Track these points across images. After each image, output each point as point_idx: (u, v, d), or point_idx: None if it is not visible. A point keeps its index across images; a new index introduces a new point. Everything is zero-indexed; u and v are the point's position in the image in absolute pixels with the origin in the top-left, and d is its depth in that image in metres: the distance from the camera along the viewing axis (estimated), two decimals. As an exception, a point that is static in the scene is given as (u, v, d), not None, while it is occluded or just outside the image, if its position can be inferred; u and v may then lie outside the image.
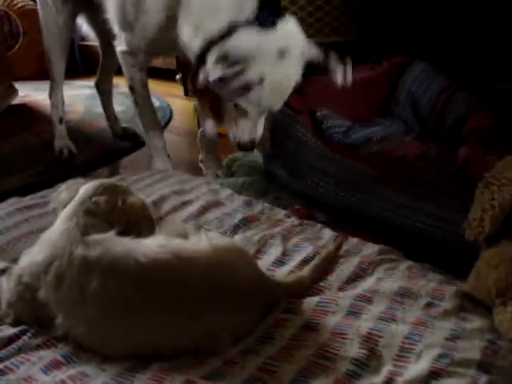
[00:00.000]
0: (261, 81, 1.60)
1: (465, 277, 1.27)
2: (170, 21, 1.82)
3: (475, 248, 1.28)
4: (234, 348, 1.06)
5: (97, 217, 1.17)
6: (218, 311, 1.05)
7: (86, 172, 2.54)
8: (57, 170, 2.57)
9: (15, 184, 2.40)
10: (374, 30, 3.18)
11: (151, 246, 1.09)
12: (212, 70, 1.62)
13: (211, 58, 1.63)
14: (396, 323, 1.12)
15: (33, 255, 1.13)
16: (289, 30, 1.67)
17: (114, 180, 1.47)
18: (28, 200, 1.70)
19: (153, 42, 1.97)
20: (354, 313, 1.15)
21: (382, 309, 1.16)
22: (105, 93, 2.94)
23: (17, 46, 4.38)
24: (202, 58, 1.68)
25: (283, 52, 1.61)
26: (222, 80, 1.60)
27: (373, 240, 1.53)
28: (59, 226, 1.16)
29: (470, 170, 1.75)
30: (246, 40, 1.59)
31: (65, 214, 1.19)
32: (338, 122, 1.97)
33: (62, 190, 1.36)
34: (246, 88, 1.61)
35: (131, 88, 2.16)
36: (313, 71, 1.87)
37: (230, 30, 1.62)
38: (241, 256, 1.18)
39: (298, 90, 1.96)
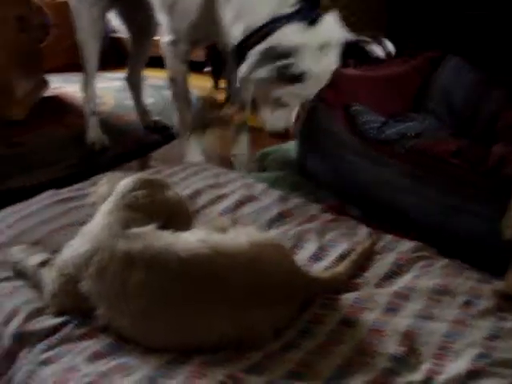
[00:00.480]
0: (305, 74, 1.65)
1: (501, 275, 1.27)
2: (210, 3, 1.84)
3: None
4: (274, 342, 1.07)
5: (137, 211, 1.19)
6: (258, 305, 1.07)
7: (116, 165, 2.58)
8: (88, 163, 2.60)
9: (47, 176, 2.44)
10: (404, 24, 3.16)
11: (191, 240, 1.11)
12: (255, 64, 1.65)
13: (254, 52, 1.66)
14: (434, 321, 1.12)
15: (74, 247, 1.16)
16: (330, 22, 1.69)
17: (151, 175, 1.49)
18: (65, 192, 1.73)
19: (193, 27, 1.99)
20: (391, 310, 1.16)
21: (420, 306, 1.17)
22: (135, 86, 2.97)
23: (48, 38, 4.43)
24: (241, 48, 1.70)
25: (324, 46, 1.64)
26: (267, 74, 1.63)
27: (406, 237, 1.53)
28: (100, 220, 1.18)
29: (505, 168, 1.74)
30: (291, 35, 1.62)
31: (105, 207, 1.21)
32: (372, 118, 1.96)
33: (102, 184, 1.39)
34: (291, 82, 1.65)
35: (172, 80, 2.19)
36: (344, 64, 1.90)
37: (271, 22, 1.65)
38: (279, 251, 1.19)
39: (332, 84, 1.97)
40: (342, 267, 1.29)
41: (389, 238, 1.49)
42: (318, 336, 1.09)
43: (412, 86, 2.36)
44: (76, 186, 1.78)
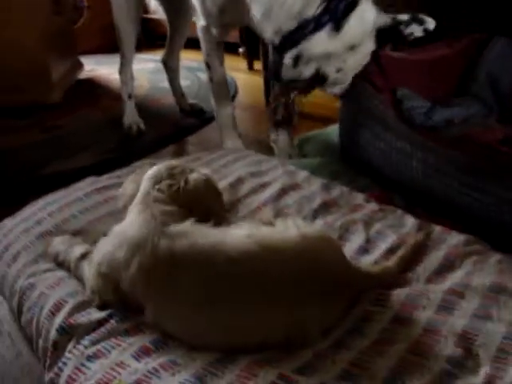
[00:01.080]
0: (338, 71, 1.71)
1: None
2: None
3: None
4: (323, 341, 1.04)
5: (168, 203, 1.16)
6: (307, 302, 1.04)
7: (154, 149, 2.56)
8: (126, 147, 2.59)
9: (85, 161, 2.44)
10: (447, 5, 3.05)
11: (239, 236, 1.08)
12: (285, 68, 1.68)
13: (285, 58, 1.68)
14: (492, 321, 1.07)
15: (109, 250, 1.13)
16: (361, 15, 1.67)
17: (189, 161, 1.46)
18: (105, 180, 1.71)
19: (223, 11, 1.97)
20: (445, 308, 1.11)
21: (476, 305, 1.12)
22: (172, 69, 2.94)
23: (81, 20, 4.42)
24: (280, 52, 1.72)
25: (354, 45, 1.69)
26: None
27: (453, 227, 1.48)
28: (133, 220, 1.15)
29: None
30: (319, 44, 1.63)
31: (135, 207, 1.19)
32: (419, 103, 1.91)
33: (128, 184, 1.35)
34: (322, 81, 1.67)
35: (207, 64, 2.16)
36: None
37: (301, 28, 1.65)
38: (329, 245, 1.15)
39: (379, 68, 1.91)
40: (392, 261, 1.25)
41: (438, 229, 1.44)
42: (369, 335, 1.05)
43: (457, 70, 2.29)
44: (116, 173, 1.76)
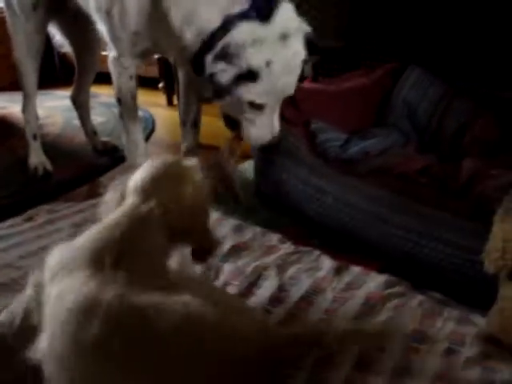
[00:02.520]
0: (268, 65, 1.52)
1: (480, 307, 1.14)
2: (154, 5, 1.66)
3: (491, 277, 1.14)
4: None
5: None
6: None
7: (63, 191, 2.38)
8: (31, 190, 2.40)
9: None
10: (363, 34, 3.05)
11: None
12: (213, 69, 1.51)
13: (208, 58, 1.52)
14: (411, 378, 0.97)
15: None
16: (287, 13, 1.56)
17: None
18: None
19: (136, 35, 1.80)
20: (364, 365, 1.00)
21: (396, 359, 1.01)
22: (82, 106, 2.78)
23: (-11, 56, 4.20)
24: (200, 56, 1.57)
25: (285, 34, 1.53)
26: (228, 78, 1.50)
27: (372, 265, 1.39)
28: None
29: (477, 187, 1.61)
30: (245, 32, 1.49)
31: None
32: (334, 135, 1.83)
33: (110, 194, 1.15)
34: (254, 77, 1.50)
35: (119, 100, 2.01)
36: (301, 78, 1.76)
37: (225, 24, 1.51)
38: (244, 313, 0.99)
39: (291, 100, 1.82)
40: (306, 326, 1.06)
41: (356, 270, 1.35)
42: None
43: (374, 100, 2.24)
44: (7, 223, 1.60)
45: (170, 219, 1.03)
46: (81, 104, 2.77)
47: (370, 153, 1.80)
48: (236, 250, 1.43)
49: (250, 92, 1.56)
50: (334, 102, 2.08)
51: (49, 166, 2.51)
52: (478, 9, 2.49)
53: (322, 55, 2.76)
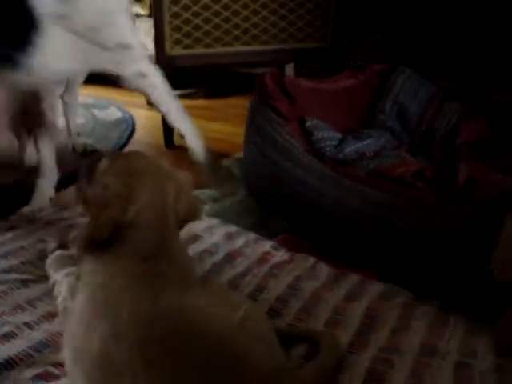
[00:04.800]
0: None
1: (483, 315, 1.11)
2: None
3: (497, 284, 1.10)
4: None
5: None
6: None
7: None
8: (6, 195, 2.31)
9: None
10: (348, 35, 3.02)
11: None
12: None
13: None
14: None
15: None
16: None
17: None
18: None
19: None
20: (374, 381, 0.95)
21: (407, 374, 0.96)
22: (68, 105, 2.70)
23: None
24: None
25: None
26: None
27: (371, 271, 1.35)
28: None
29: (476, 192, 1.57)
30: None
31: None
32: (329, 134, 1.77)
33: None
34: None
35: None
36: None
37: None
38: (265, 347, 0.91)
39: (287, 95, 1.76)
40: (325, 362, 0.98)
41: (355, 279, 1.30)
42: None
43: (364, 100, 2.20)
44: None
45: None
46: (67, 103, 2.69)
47: (365, 154, 1.75)
48: (229, 259, 1.37)
49: None
50: (325, 101, 2.04)
51: None
52: (467, 10, 2.47)
53: (305, 55, 2.72)
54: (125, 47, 1.59)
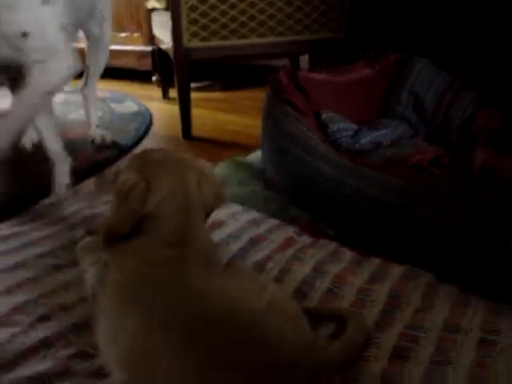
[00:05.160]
0: None
1: (502, 300, 1.13)
2: None
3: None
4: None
5: None
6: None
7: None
8: (27, 186, 2.36)
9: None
10: (363, 25, 3.04)
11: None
12: None
13: None
14: (453, 367, 0.95)
15: None
16: None
17: None
18: (5, 228, 1.52)
19: None
20: (400, 356, 0.99)
21: (432, 349, 1.00)
22: (88, 98, 2.75)
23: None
24: None
25: None
26: None
27: (390, 258, 1.38)
28: None
29: (491, 179, 1.60)
30: None
31: None
32: (345, 125, 1.80)
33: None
34: None
35: None
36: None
37: None
38: (295, 325, 0.94)
39: (301, 90, 1.80)
40: (353, 332, 1.02)
41: (376, 262, 1.33)
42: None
43: (380, 91, 2.23)
44: (14, 221, 1.58)
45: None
46: (86, 96, 2.74)
47: (381, 143, 1.78)
48: (253, 244, 1.41)
49: None
50: (340, 93, 2.06)
51: None
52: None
53: (320, 47, 2.74)
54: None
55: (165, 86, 3.68)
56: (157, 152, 1.17)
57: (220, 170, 2.09)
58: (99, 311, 1.00)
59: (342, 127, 1.79)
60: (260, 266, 1.30)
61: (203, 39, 2.59)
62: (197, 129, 2.77)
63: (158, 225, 1.05)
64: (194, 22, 2.54)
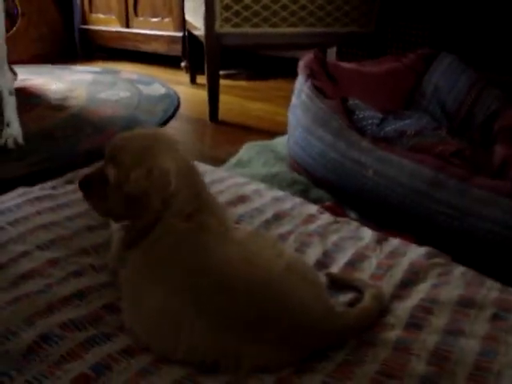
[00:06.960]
0: None
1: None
2: None
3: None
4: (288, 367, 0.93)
5: None
6: (254, 341, 0.91)
7: (91, 161, 2.40)
8: (59, 158, 2.43)
9: (16, 172, 2.26)
10: (392, 21, 3.07)
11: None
12: None
13: None
14: (464, 337, 1.00)
15: None
16: None
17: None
18: (38, 191, 1.57)
19: None
20: (415, 325, 1.03)
21: (446, 321, 1.04)
22: None
23: (14, 28, 4.20)
24: None
25: None
26: None
27: (410, 239, 1.42)
28: None
29: (510, 171, 1.64)
30: None
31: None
32: (371, 113, 1.85)
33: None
34: None
35: None
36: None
37: None
38: (313, 289, 1.00)
39: (330, 77, 1.84)
40: (369, 302, 1.07)
41: (397, 242, 1.37)
42: (335, 357, 0.95)
43: (406, 84, 2.27)
44: (49, 184, 1.62)
45: None
46: None
47: (405, 132, 1.82)
48: (276, 218, 1.46)
49: None
50: (367, 83, 2.11)
51: (20, 139, 2.51)
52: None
53: (349, 40, 2.78)
54: None
55: (193, 72, 3.74)
56: (132, 136, 1.09)
57: (244, 151, 2.15)
58: (123, 276, 1.06)
59: (368, 115, 1.83)
60: (282, 240, 1.34)
61: (235, 25, 2.64)
62: (223, 113, 2.82)
63: (175, 201, 1.03)
64: (227, 7, 2.59)
